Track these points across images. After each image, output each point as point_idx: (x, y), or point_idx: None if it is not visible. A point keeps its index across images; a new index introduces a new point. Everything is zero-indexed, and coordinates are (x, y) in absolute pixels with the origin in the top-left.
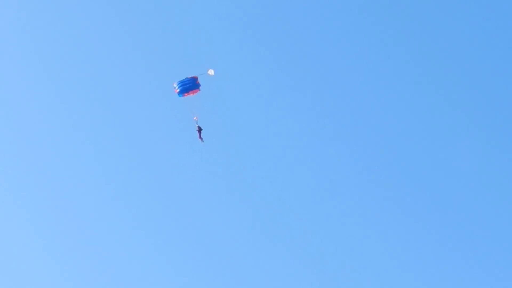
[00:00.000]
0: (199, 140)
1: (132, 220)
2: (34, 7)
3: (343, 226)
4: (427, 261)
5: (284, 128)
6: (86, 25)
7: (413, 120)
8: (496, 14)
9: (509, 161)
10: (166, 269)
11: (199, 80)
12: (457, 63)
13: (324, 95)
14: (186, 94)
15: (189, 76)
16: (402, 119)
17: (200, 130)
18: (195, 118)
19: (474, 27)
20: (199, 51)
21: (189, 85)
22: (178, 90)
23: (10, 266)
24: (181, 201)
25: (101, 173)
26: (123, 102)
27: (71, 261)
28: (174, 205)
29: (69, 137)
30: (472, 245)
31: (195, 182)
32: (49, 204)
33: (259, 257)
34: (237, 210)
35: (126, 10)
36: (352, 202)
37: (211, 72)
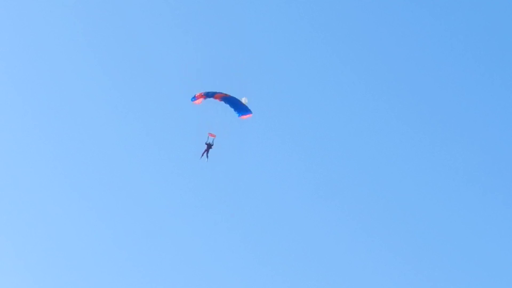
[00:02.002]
0: (203, 156)
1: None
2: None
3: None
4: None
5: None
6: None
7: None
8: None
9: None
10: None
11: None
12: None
13: None
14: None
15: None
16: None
17: (209, 147)
18: (211, 135)
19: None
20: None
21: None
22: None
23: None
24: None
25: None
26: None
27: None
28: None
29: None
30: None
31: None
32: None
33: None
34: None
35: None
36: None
37: (245, 100)
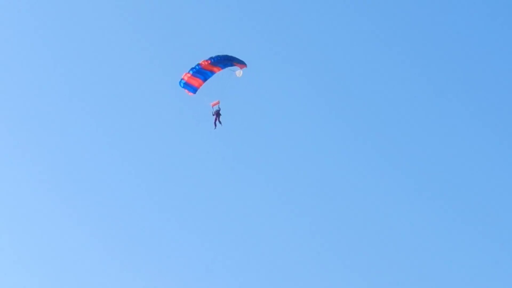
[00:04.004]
0: (215, 125)
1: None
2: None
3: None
4: None
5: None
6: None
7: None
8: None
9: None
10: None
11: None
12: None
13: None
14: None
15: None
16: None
17: (218, 114)
18: (213, 104)
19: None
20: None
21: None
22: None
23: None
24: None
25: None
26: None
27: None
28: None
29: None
30: None
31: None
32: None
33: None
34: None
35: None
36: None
37: (239, 73)
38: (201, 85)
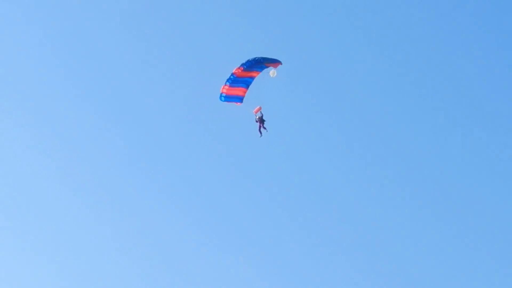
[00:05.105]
0: (260, 132)
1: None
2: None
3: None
4: None
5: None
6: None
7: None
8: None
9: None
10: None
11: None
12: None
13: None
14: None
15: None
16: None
17: (261, 121)
18: (256, 111)
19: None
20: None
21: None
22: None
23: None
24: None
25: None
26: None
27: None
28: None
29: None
30: None
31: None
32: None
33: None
34: None
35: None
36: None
37: (273, 73)
38: (245, 92)
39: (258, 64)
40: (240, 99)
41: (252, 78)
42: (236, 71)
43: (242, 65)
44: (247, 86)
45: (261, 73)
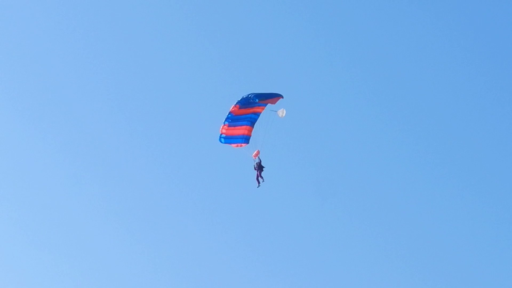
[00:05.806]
0: (258, 181)
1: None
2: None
3: None
4: None
5: None
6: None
7: None
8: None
9: None
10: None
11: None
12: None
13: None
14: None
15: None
16: None
17: (260, 168)
18: (254, 155)
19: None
20: None
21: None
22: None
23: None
24: None
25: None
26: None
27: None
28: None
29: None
30: None
31: None
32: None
33: None
34: None
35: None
36: None
37: (282, 113)
38: (250, 131)
39: (256, 99)
40: (244, 138)
41: (256, 114)
42: (233, 109)
43: (238, 102)
44: (252, 124)
45: (273, 112)
